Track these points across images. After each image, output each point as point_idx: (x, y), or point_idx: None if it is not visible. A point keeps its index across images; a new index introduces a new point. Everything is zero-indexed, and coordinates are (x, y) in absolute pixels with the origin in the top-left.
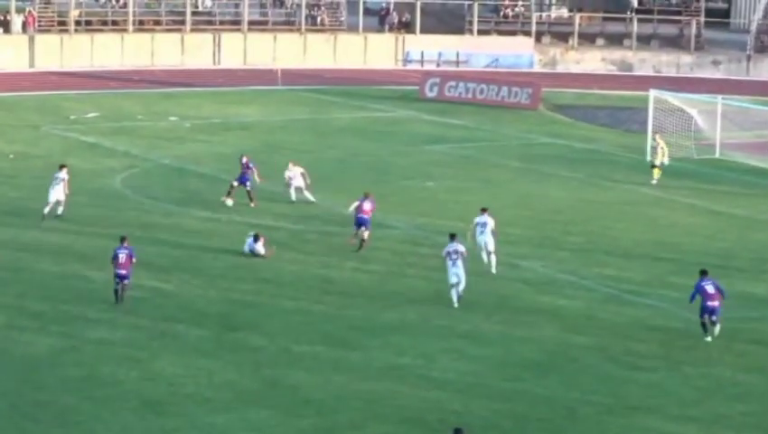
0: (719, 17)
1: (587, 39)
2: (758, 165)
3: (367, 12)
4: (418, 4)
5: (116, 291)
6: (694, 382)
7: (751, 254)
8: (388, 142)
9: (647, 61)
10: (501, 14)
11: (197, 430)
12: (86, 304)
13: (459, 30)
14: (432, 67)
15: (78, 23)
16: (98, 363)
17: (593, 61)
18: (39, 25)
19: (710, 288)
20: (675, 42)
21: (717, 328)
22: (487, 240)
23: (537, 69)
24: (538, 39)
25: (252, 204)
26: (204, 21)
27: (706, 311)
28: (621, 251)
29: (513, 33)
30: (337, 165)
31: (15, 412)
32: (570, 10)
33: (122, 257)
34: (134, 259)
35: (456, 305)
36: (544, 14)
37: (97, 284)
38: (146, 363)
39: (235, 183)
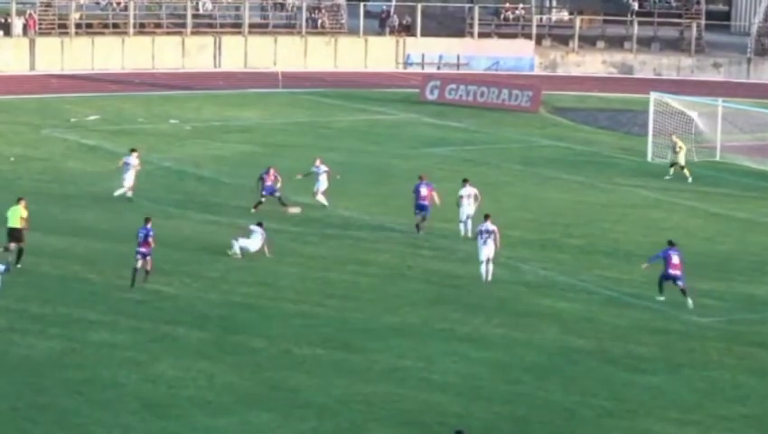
0: (720, 20)
1: (588, 42)
2: (758, 168)
3: (367, 14)
4: (419, 6)
5: (134, 270)
6: (694, 385)
7: (751, 256)
8: (389, 145)
9: (647, 64)
10: (502, 16)
11: (197, 433)
12: (86, 306)
13: (460, 33)
14: (432, 70)
15: (78, 25)
16: (99, 366)
17: (593, 63)
18: (40, 28)
19: (675, 259)
20: (675, 45)
21: (690, 301)
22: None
23: (537, 71)
24: (538, 42)
25: (290, 210)
26: (205, 24)
27: (668, 277)
28: (621, 254)
29: (514, 36)
30: (338, 168)
31: (16, 415)
32: (571, 13)
33: (141, 237)
34: (150, 240)
35: (488, 278)
36: (544, 17)
37: (97, 287)
38: (147, 366)
39: (263, 199)
